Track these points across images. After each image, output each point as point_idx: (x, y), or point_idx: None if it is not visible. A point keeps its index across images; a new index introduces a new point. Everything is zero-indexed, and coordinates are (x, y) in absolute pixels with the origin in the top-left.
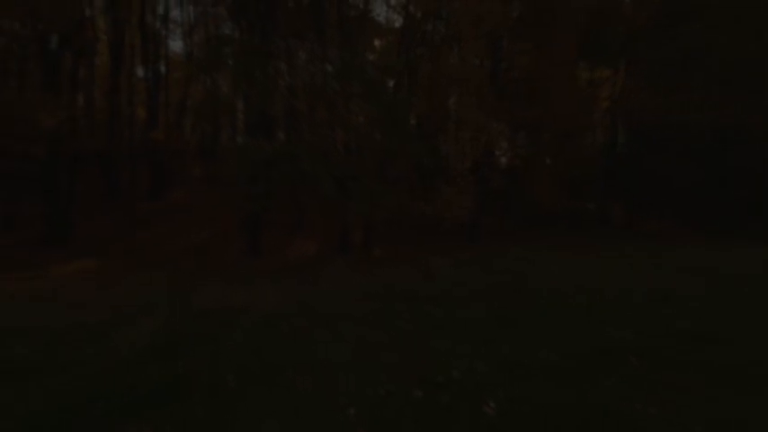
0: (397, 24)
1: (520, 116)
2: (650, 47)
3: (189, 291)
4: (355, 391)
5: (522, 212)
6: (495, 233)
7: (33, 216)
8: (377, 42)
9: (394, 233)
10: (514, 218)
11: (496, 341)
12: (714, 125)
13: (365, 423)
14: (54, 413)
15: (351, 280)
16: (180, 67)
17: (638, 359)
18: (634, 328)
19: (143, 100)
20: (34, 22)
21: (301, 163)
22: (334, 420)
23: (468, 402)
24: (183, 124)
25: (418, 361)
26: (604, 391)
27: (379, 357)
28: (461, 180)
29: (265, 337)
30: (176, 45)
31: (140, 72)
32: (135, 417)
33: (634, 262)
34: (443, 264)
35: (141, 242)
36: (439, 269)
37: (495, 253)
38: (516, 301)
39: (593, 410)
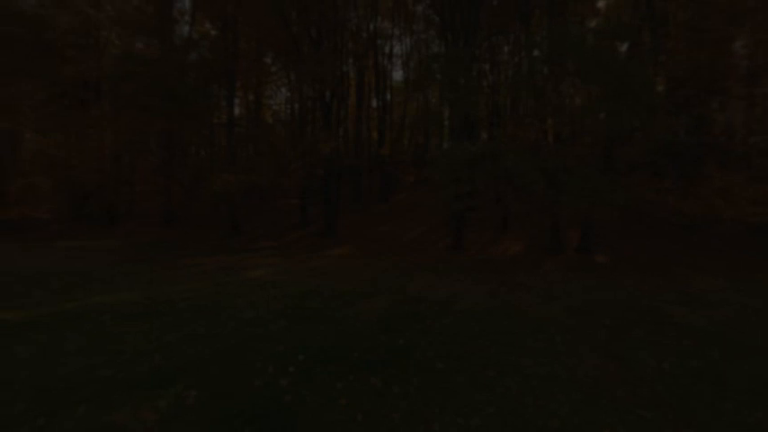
0: None
1: None
2: None
3: (405, 278)
4: (573, 415)
5: None
6: None
7: (318, 216)
8: (601, 2)
9: (631, 235)
10: None
11: None
12: None
13: None
14: (332, 349)
15: (561, 285)
16: (400, 93)
17: None
18: None
19: (375, 124)
20: (317, 85)
21: (504, 160)
22: None
23: None
24: (402, 139)
25: (668, 419)
26: None
27: (601, 386)
28: (757, 161)
29: (468, 328)
30: (397, 75)
31: (374, 103)
32: (370, 371)
33: None
34: (713, 282)
35: (374, 235)
36: (706, 290)
37: None
38: None
39: None
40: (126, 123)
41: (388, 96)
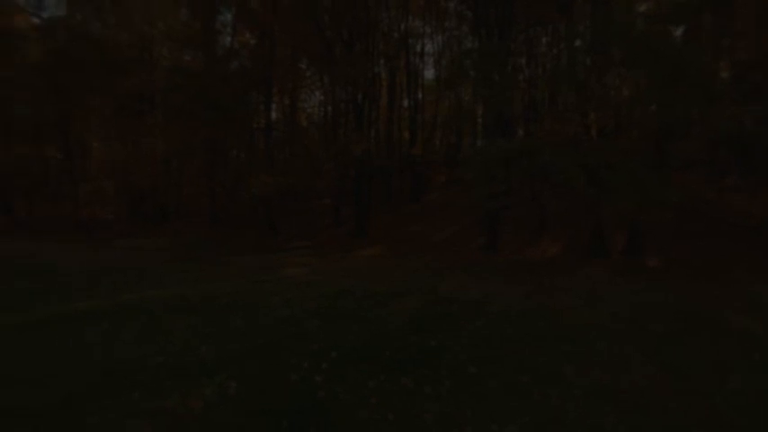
0: None
1: None
2: None
3: (436, 279)
4: (619, 429)
5: None
6: None
7: (350, 216)
8: None
9: (685, 236)
10: None
11: None
12: None
13: None
14: (364, 348)
15: (605, 289)
16: (431, 92)
17: None
18: None
19: (406, 124)
20: (349, 88)
21: (541, 156)
22: None
23: None
24: (433, 139)
25: None
26: None
27: (652, 399)
28: None
29: (501, 331)
30: (429, 73)
31: (405, 102)
32: (402, 371)
33: None
34: None
35: (405, 235)
36: None
37: None
38: None
39: None
40: (175, 131)
41: (420, 95)
